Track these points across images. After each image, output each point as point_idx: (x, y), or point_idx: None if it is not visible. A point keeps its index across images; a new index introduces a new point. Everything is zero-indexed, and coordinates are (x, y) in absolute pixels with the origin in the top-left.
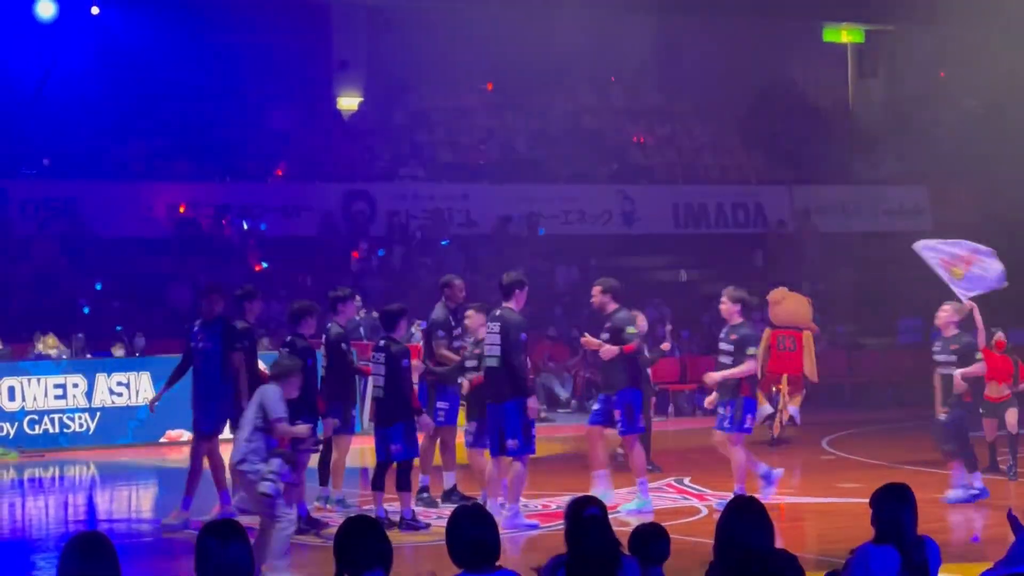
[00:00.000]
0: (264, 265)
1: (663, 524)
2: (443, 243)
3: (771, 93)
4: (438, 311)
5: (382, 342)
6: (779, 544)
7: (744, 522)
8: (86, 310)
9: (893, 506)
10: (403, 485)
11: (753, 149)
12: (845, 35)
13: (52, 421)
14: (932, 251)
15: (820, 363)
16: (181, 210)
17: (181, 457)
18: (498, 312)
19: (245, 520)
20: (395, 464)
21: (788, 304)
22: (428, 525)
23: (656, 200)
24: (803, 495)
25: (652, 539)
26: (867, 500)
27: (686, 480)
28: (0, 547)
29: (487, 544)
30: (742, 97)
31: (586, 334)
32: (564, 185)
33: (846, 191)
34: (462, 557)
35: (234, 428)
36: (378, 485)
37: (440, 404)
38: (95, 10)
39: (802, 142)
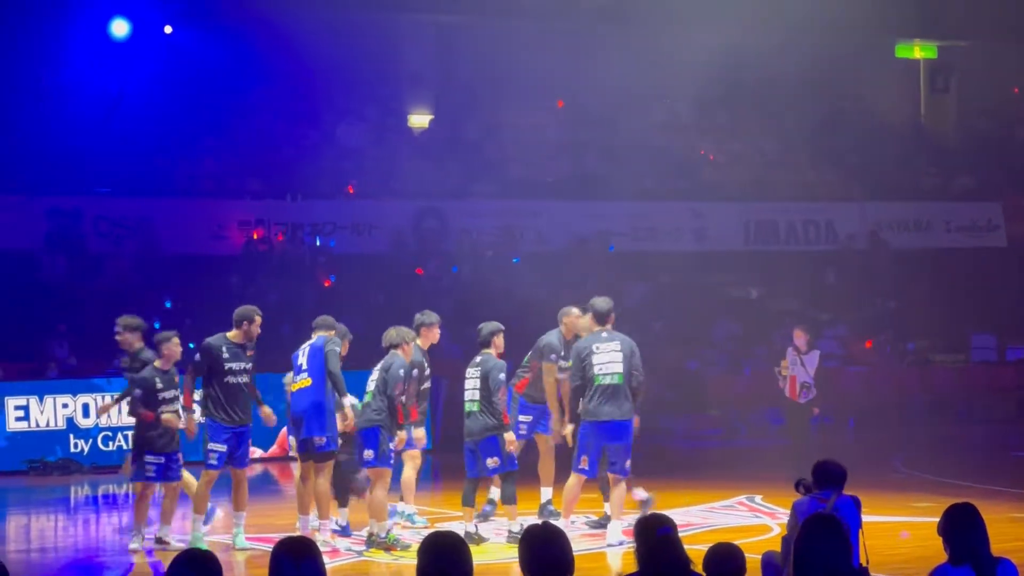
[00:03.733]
0: (332, 280)
1: (736, 542)
2: (514, 260)
3: (842, 109)
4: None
5: (477, 357)
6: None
7: (822, 540)
8: (157, 325)
9: (962, 527)
10: (508, 498)
11: (824, 165)
12: (917, 51)
13: (126, 438)
14: None
15: (893, 379)
16: (256, 236)
17: (252, 474)
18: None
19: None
20: (497, 477)
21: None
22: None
23: (726, 217)
24: (876, 514)
25: (727, 559)
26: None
27: (757, 498)
28: (75, 565)
29: (559, 561)
30: (813, 113)
31: None
32: (634, 202)
33: (918, 208)
34: (533, 574)
35: None
36: (468, 501)
37: (522, 418)
38: (168, 29)
39: (874, 158)
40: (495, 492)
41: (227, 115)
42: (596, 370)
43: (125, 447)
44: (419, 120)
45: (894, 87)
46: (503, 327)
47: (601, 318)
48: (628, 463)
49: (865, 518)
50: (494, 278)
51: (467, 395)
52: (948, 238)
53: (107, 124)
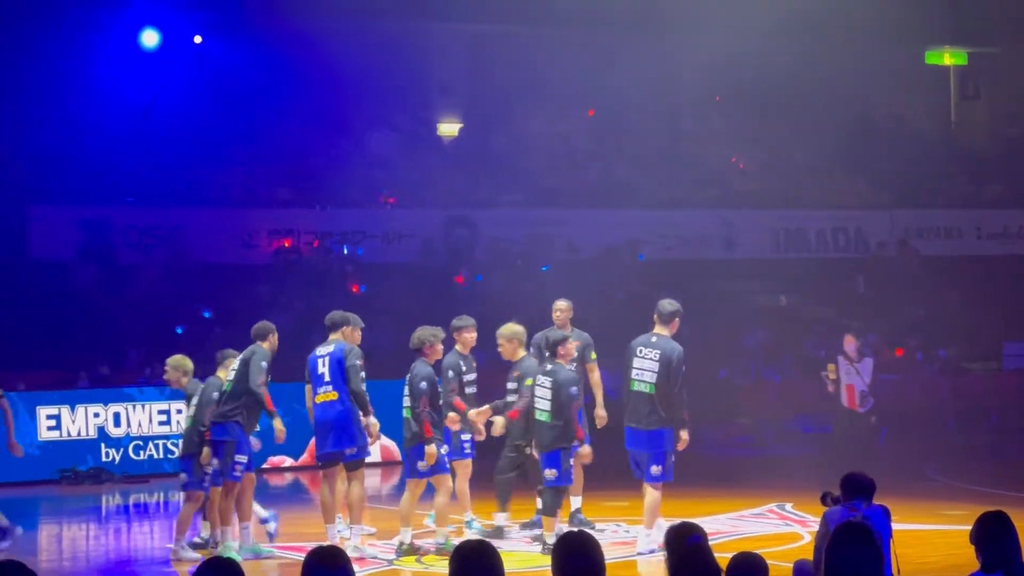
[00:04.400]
0: (362, 289)
1: (762, 551)
2: (544, 268)
3: (872, 117)
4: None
5: (548, 367)
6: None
7: (853, 549)
8: (179, 331)
9: (994, 535)
10: (550, 510)
11: (854, 173)
12: (948, 58)
13: (156, 447)
14: None
15: (925, 387)
16: (285, 245)
17: (283, 483)
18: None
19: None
20: (547, 488)
21: None
22: None
23: (756, 225)
24: (908, 522)
25: (750, 568)
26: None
27: (788, 506)
28: (106, 573)
29: (592, 569)
30: (843, 121)
31: None
32: (664, 211)
33: (948, 215)
34: None
35: None
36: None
37: None
38: (198, 39)
39: (904, 166)
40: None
41: (257, 124)
42: (633, 374)
43: (157, 456)
44: (449, 129)
45: (924, 94)
46: (568, 334)
47: (664, 319)
48: (656, 469)
49: (896, 526)
50: (523, 286)
51: (538, 403)
52: (979, 245)
53: (138, 134)
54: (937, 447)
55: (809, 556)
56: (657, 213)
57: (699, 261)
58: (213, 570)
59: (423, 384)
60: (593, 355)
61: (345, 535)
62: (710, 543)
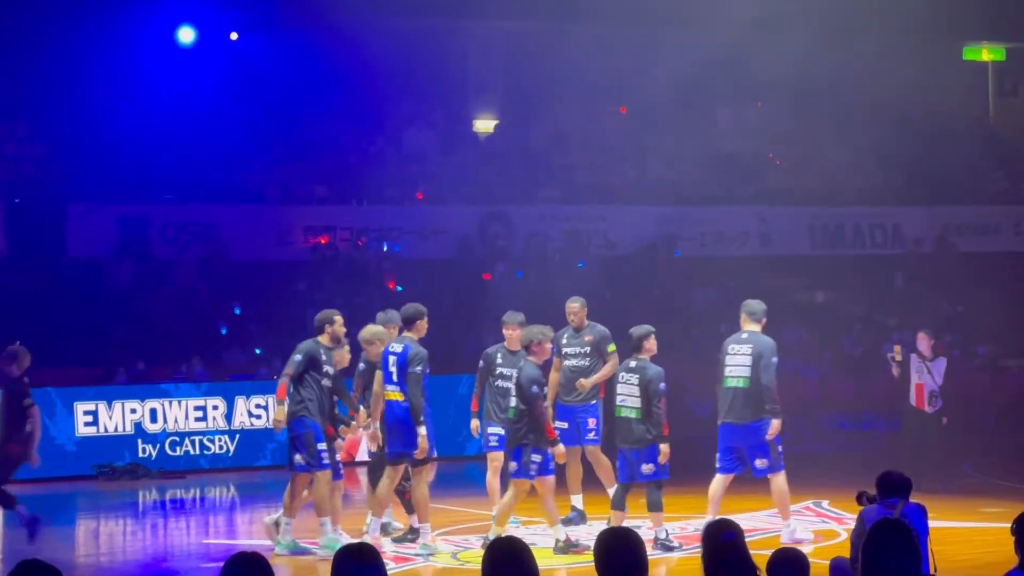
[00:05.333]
0: (399, 289)
1: (802, 549)
2: (580, 265)
3: (909, 112)
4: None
5: (632, 363)
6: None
7: (890, 546)
8: (223, 331)
9: None
10: (656, 505)
11: (891, 169)
12: (986, 53)
13: (193, 443)
14: None
15: (962, 383)
16: (322, 242)
17: None
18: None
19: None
20: (647, 484)
21: None
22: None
23: (792, 221)
24: (946, 519)
25: (792, 565)
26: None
27: (824, 503)
28: (143, 568)
29: (633, 565)
30: (880, 117)
31: None
32: (700, 207)
33: (986, 211)
34: None
35: None
36: (619, 505)
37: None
38: (234, 36)
39: (941, 162)
40: (576, 500)
41: (293, 121)
42: (726, 371)
43: (193, 452)
44: (485, 125)
45: (962, 90)
46: (654, 329)
47: (755, 317)
48: (762, 462)
49: (933, 523)
50: (560, 283)
51: (621, 400)
52: (1017, 241)
53: (173, 131)
54: (975, 444)
55: (846, 554)
56: (693, 209)
57: (735, 258)
58: (241, 567)
59: (534, 388)
60: (611, 347)
61: (376, 533)
62: (747, 540)
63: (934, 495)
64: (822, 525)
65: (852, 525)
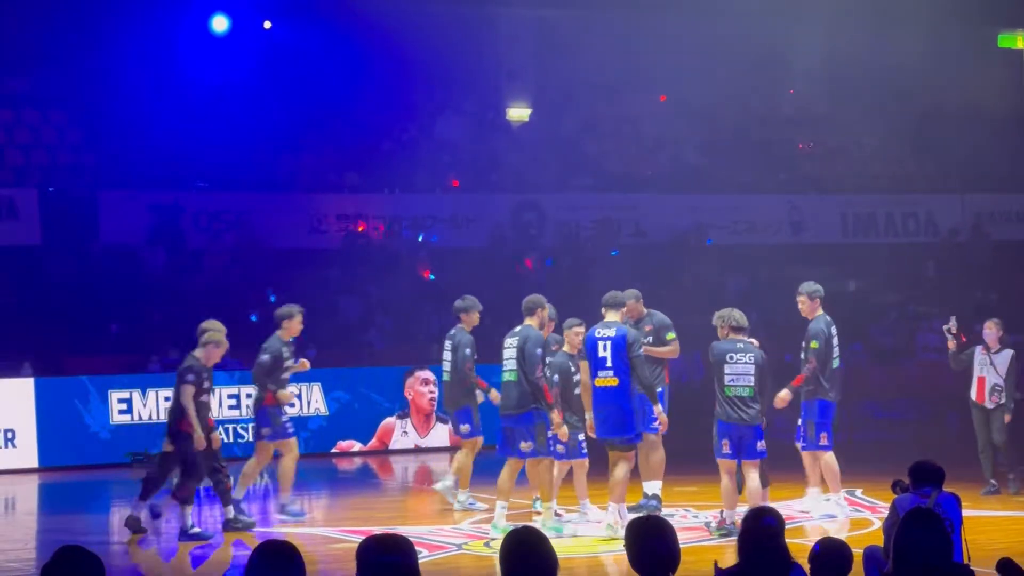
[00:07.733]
0: (431, 278)
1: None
2: (612, 253)
3: (943, 100)
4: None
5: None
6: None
7: (922, 535)
8: (253, 318)
9: None
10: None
11: (924, 157)
12: (1020, 41)
13: (227, 431)
14: None
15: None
16: (360, 229)
17: (352, 467)
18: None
19: None
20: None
21: None
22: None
23: (824, 209)
24: (981, 508)
25: (836, 555)
26: None
27: (858, 492)
28: (175, 553)
29: (665, 554)
30: (913, 104)
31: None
32: (733, 195)
33: (1020, 199)
34: (642, 566)
35: None
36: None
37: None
38: (267, 24)
39: (975, 149)
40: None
41: (326, 109)
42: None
43: (227, 439)
44: (518, 114)
45: (996, 77)
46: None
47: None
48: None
49: (967, 512)
50: (592, 271)
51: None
52: None
53: (206, 119)
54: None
55: (879, 542)
56: (725, 197)
57: (767, 246)
58: (270, 555)
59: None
60: (670, 335)
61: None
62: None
63: (968, 484)
64: (855, 514)
65: (885, 514)
